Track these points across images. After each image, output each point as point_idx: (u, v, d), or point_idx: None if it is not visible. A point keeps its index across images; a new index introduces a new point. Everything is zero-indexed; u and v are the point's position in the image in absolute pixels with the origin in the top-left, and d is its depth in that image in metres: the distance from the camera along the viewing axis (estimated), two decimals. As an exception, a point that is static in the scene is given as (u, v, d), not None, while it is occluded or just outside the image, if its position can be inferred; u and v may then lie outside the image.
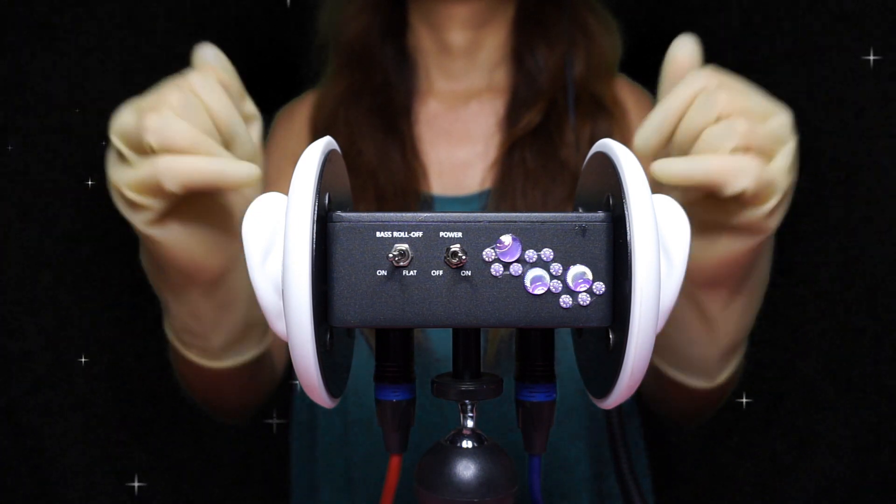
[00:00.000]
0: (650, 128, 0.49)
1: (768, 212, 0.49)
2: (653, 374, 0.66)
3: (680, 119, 0.48)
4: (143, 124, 0.46)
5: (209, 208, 0.52)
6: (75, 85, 0.96)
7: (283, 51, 0.94)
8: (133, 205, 0.49)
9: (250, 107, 0.54)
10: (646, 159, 0.43)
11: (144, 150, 0.47)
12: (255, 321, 0.61)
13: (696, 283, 0.55)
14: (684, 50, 0.52)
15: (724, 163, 0.46)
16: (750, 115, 0.47)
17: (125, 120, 0.48)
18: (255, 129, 0.55)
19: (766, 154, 0.48)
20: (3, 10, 0.91)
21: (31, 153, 0.96)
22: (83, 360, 1.00)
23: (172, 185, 0.46)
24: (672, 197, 0.39)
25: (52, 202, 0.97)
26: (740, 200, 0.48)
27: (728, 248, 0.52)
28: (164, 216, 0.50)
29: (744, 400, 0.95)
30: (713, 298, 0.56)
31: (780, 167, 0.48)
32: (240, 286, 0.57)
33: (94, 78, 0.95)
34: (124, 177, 0.49)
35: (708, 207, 0.50)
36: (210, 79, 0.50)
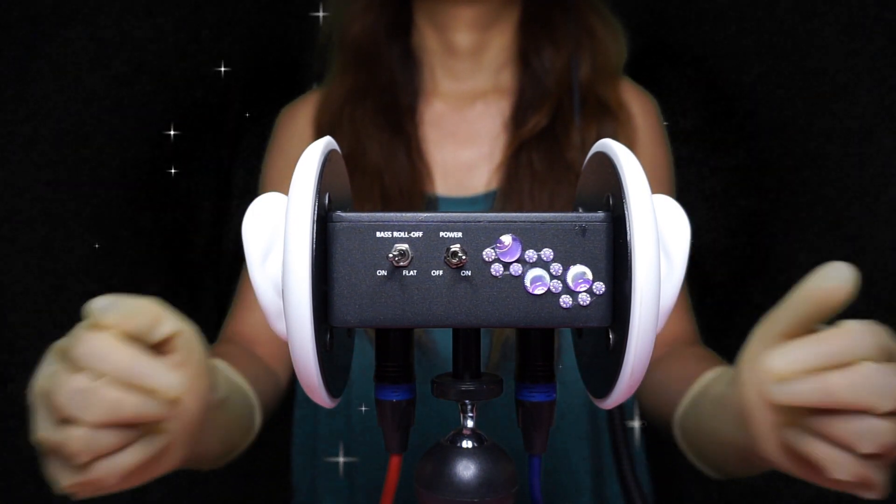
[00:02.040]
0: (799, 355, 0.41)
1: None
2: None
3: (833, 365, 0.40)
4: (68, 438, 0.41)
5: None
6: (78, 81, 0.96)
7: (286, 49, 0.94)
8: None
9: (170, 325, 0.44)
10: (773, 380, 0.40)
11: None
12: (236, 438, 0.59)
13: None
14: (840, 281, 0.41)
15: (860, 470, 0.40)
16: None
17: (43, 424, 0.43)
18: (185, 340, 0.45)
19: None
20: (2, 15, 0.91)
21: (31, 156, 0.96)
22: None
23: (113, 485, 0.42)
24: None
25: (56, 203, 0.97)
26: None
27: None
28: None
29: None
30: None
31: None
32: (212, 434, 0.52)
33: (95, 77, 0.95)
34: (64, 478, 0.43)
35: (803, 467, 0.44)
36: (103, 340, 0.42)
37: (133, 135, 0.96)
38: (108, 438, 0.41)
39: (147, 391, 0.40)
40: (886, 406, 0.39)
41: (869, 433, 0.39)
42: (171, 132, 0.98)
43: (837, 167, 0.88)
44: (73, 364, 0.40)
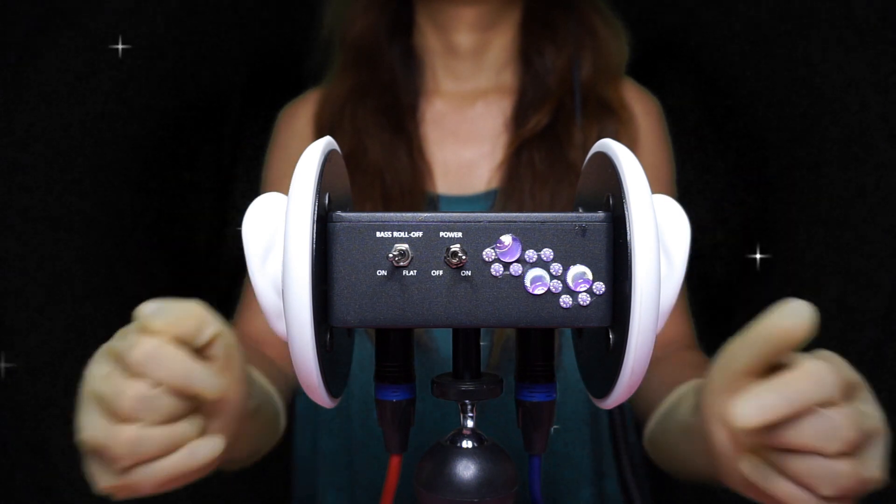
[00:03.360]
0: (763, 405, 0.39)
1: None
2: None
3: (797, 413, 0.40)
4: (115, 441, 0.42)
5: None
6: (77, 81, 0.96)
7: (286, 48, 0.94)
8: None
9: (213, 329, 0.45)
10: (740, 434, 0.40)
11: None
12: (263, 441, 0.59)
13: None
14: (798, 320, 0.40)
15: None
16: (860, 448, 0.41)
17: (91, 424, 0.43)
18: (227, 345, 0.45)
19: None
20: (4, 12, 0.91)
21: (29, 156, 0.96)
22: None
23: (148, 490, 0.43)
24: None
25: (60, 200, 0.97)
26: None
27: None
28: None
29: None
30: None
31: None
32: (244, 440, 0.51)
33: (94, 78, 0.95)
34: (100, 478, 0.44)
35: None
36: (158, 347, 0.42)
37: (133, 135, 0.96)
38: (155, 442, 0.41)
39: (196, 397, 0.41)
40: (833, 448, 0.39)
41: (826, 475, 0.39)
42: (171, 132, 0.98)
43: (837, 166, 0.89)
44: (130, 369, 0.41)
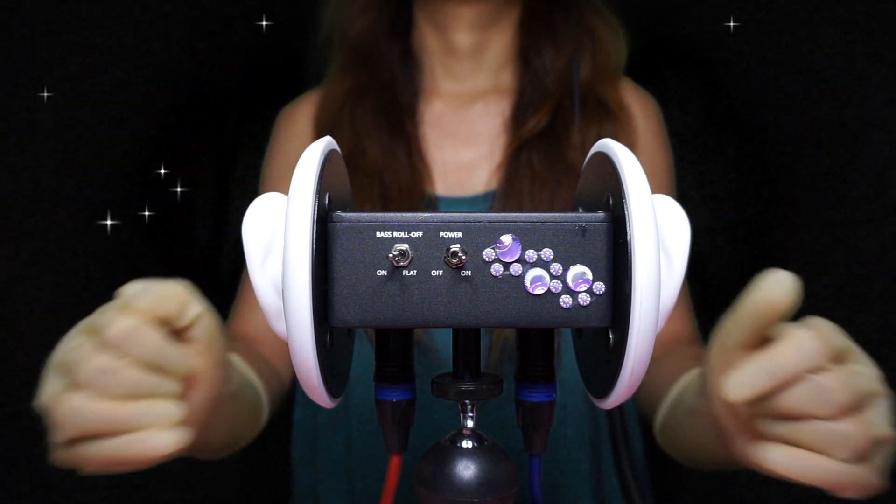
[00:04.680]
0: (751, 379, 0.40)
1: None
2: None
3: (784, 383, 0.40)
4: (59, 407, 0.41)
5: None
6: (77, 82, 0.96)
7: (286, 48, 0.94)
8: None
9: (194, 311, 0.44)
10: (737, 405, 0.40)
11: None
12: (242, 431, 0.59)
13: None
14: (781, 290, 0.40)
15: (839, 472, 0.40)
16: (860, 408, 0.41)
17: (49, 390, 0.42)
18: (207, 328, 0.44)
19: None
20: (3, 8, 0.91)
21: (29, 157, 0.96)
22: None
23: (92, 468, 0.42)
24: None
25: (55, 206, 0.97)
26: None
27: None
28: None
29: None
30: None
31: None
32: (220, 426, 0.51)
33: (94, 78, 0.95)
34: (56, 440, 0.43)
35: None
36: (136, 327, 0.41)
37: (132, 136, 0.96)
38: (101, 416, 0.40)
39: (166, 374, 0.40)
40: (828, 411, 0.39)
41: (831, 437, 0.40)
42: (171, 132, 0.97)
43: (837, 167, 0.89)
44: (101, 342, 0.40)
